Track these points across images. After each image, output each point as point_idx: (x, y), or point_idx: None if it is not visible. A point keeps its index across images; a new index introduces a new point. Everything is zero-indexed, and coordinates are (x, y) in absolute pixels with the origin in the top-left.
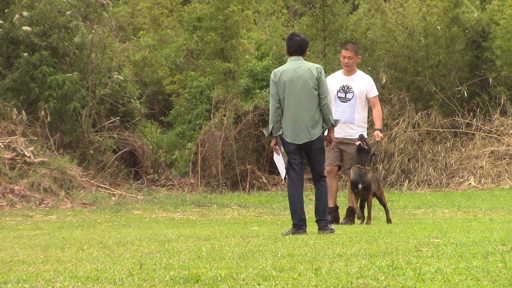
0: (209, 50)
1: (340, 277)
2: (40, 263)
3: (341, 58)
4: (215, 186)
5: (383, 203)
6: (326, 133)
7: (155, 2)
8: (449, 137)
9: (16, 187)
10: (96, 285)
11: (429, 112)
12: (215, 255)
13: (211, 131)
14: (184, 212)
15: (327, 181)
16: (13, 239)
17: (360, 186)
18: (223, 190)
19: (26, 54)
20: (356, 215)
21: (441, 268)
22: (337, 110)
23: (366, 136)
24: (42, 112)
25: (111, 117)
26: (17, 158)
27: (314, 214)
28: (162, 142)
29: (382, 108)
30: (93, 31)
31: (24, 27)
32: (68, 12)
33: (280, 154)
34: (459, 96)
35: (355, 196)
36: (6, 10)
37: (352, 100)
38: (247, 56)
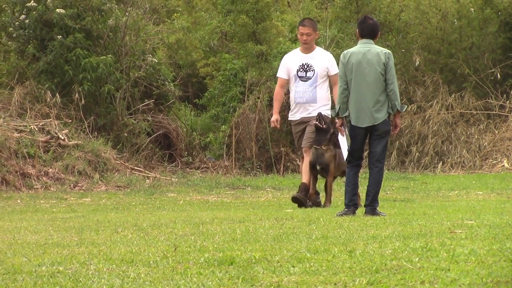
0: (242, 33)
1: (374, 259)
2: (74, 245)
3: (298, 36)
4: (249, 169)
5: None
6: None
7: None
8: (483, 119)
9: (50, 170)
10: (130, 267)
11: (463, 94)
12: (249, 237)
13: (245, 114)
14: (218, 194)
15: (305, 160)
16: (47, 221)
17: (318, 167)
18: (257, 173)
19: (60, 36)
20: (310, 198)
21: (474, 250)
22: (297, 90)
23: (329, 114)
24: (76, 95)
25: (145, 100)
26: (51, 141)
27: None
28: (196, 125)
29: (415, 90)
30: (127, 13)
31: (58, 10)
32: None
33: (345, 135)
34: (492, 78)
35: (314, 176)
36: None
37: (313, 79)
38: (280, 39)
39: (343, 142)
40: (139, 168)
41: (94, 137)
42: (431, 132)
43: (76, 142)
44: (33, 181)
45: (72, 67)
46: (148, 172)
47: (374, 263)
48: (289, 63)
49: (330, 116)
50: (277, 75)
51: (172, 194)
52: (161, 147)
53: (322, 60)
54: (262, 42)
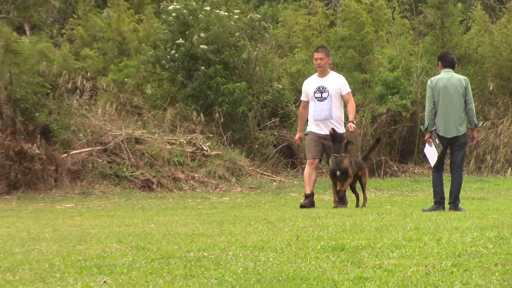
0: (350, 64)
1: (457, 246)
2: (216, 235)
3: (314, 61)
4: None
5: (362, 183)
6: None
7: (307, 25)
8: None
9: (196, 175)
10: (261, 253)
11: None
12: (356, 228)
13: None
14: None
15: (308, 170)
16: (194, 216)
17: (338, 173)
18: None
19: (203, 67)
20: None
21: None
22: (315, 109)
23: (343, 133)
24: (217, 114)
25: (272, 118)
26: (197, 151)
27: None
28: None
29: (489, 110)
30: (257, 48)
31: (201, 46)
32: (237, 33)
33: (433, 145)
34: None
35: (334, 183)
36: (187, 32)
37: (328, 98)
38: (381, 69)
39: (429, 152)
40: (267, 173)
41: (231, 148)
42: (503, 144)
43: (216, 152)
44: (182, 184)
45: (213, 92)
46: (274, 176)
47: (457, 249)
48: (307, 87)
49: (344, 133)
50: (301, 99)
51: (294, 194)
52: (285, 156)
53: (335, 82)
54: (366, 71)
